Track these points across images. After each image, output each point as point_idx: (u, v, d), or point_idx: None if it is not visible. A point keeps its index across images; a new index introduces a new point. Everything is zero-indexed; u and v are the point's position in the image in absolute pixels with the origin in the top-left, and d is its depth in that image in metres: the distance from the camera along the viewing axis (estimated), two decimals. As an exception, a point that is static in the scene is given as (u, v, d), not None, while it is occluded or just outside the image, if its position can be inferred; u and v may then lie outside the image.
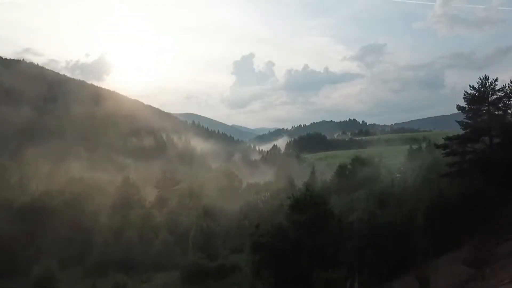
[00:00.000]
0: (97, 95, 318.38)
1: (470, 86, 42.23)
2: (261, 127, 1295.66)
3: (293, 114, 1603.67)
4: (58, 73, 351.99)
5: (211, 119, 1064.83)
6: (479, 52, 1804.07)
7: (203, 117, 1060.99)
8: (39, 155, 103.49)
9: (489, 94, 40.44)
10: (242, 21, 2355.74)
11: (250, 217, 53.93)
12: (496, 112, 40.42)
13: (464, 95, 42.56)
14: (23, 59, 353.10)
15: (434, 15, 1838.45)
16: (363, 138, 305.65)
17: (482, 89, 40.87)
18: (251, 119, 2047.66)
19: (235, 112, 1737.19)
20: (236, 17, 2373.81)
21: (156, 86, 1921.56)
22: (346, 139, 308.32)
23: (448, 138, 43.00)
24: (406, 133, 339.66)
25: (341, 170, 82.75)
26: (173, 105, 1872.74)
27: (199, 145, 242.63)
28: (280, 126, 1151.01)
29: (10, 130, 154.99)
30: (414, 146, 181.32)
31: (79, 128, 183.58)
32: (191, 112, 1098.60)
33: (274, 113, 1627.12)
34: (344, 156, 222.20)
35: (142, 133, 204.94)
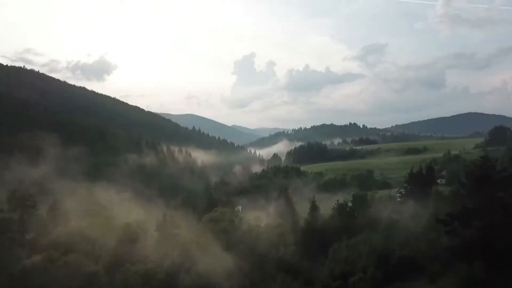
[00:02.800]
0: (97, 104, 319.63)
1: (471, 163, 42.20)
2: (261, 127, 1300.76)
3: (294, 114, 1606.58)
4: (58, 80, 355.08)
5: (212, 120, 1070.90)
6: (481, 52, 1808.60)
7: (204, 118, 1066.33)
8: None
9: (491, 173, 40.39)
10: (243, 21, 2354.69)
11: (250, 275, 54.06)
12: (498, 193, 40.29)
13: (466, 173, 42.53)
14: (24, 66, 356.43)
15: (436, 15, 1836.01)
16: (364, 147, 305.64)
17: (484, 168, 40.83)
18: (252, 119, 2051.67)
19: (235, 112, 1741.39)
20: (237, 17, 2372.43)
21: (156, 86, 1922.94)
22: (347, 148, 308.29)
23: (449, 215, 42.76)
24: (407, 142, 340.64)
25: (342, 208, 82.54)
26: (174, 105, 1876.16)
27: (200, 156, 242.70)
28: (281, 126, 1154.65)
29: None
30: (415, 165, 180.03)
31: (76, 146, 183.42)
32: (192, 113, 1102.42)
33: (274, 112, 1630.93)
34: (345, 168, 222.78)
35: (142, 147, 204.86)
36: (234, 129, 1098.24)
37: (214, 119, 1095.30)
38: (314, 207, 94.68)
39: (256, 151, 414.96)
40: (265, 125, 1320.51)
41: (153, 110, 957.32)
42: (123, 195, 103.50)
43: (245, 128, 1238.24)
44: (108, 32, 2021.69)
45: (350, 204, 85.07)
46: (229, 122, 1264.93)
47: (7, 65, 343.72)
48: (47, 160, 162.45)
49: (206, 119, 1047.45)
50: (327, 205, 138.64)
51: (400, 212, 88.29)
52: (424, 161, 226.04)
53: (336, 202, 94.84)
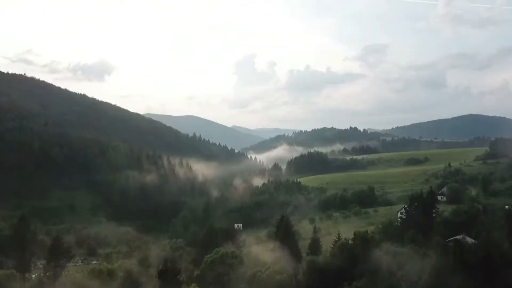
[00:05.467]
0: (98, 112, 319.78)
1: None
2: (261, 127, 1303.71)
3: (295, 114, 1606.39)
4: (59, 88, 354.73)
5: (212, 122, 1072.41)
6: (482, 52, 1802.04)
7: (204, 119, 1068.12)
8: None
9: (493, 255, 40.43)
10: (244, 21, 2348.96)
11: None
12: (500, 275, 40.35)
13: (473, 252, 42.58)
14: (24, 74, 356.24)
15: (437, 15, 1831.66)
16: (364, 157, 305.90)
17: (487, 249, 40.86)
18: (252, 119, 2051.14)
19: (236, 112, 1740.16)
20: (238, 17, 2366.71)
21: (157, 86, 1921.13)
22: (348, 158, 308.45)
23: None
24: (407, 151, 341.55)
25: (343, 247, 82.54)
26: (175, 105, 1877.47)
27: (200, 167, 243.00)
28: (281, 126, 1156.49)
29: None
30: (416, 178, 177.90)
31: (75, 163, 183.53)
32: (192, 114, 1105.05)
33: (275, 113, 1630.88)
34: (345, 181, 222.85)
35: (143, 161, 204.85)
36: (234, 131, 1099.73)
37: (215, 121, 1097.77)
38: (315, 242, 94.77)
39: (257, 156, 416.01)
40: (266, 125, 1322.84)
41: (153, 112, 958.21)
42: (125, 229, 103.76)
43: (245, 129, 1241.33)
44: (109, 33, 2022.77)
45: (350, 242, 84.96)
46: (229, 123, 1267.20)
47: (7, 72, 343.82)
48: (48, 181, 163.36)
49: (207, 120, 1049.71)
50: (329, 226, 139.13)
51: (402, 248, 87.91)
52: (425, 173, 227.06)
53: (337, 236, 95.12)
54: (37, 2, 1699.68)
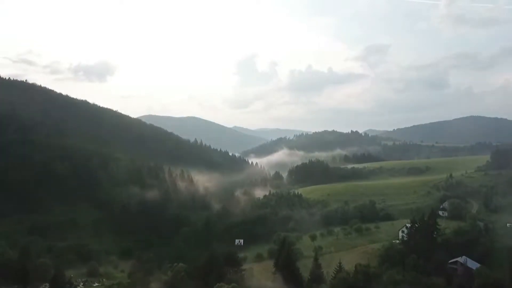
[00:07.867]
0: (99, 119, 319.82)
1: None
2: (262, 127, 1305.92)
3: (296, 114, 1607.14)
4: (61, 94, 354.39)
5: (213, 122, 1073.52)
6: (484, 52, 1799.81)
7: (205, 120, 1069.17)
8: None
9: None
10: (245, 21, 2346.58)
11: None
12: None
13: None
14: (26, 80, 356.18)
15: (439, 15, 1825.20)
16: (365, 166, 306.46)
17: None
18: (253, 119, 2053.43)
19: (237, 112, 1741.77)
20: (239, 17, 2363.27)
21: (158, 86, 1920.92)
22: (349, 167, 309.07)
23: None
24: (409, 160, 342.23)
25: (344, 280, 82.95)
26: (176, 105, 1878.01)
27: (201, 178, 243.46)
28: (282, 126, 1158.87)
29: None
30: (417, 190, 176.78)
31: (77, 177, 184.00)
32: (193, 115, 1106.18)
33: (276, 112, 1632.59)
34: (347, 193, 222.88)
35: (144, 175, 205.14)
36: (235, 131, 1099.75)
37: (215, 121, 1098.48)
38: (315, 273, 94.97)
39: (258, 161, 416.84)
40: (267, 126, 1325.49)
41: (154, 113, 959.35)
42: (127, 245, 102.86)
43: (246, 129, 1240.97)
44: (110, 33, 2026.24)
45: (351, 275, 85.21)
46: (230, 123, 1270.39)
47: (9, 78, 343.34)
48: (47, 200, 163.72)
49: (208, 121, 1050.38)
50: (330, 244, 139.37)
51: (404, 276, 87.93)
52: (426, 184, 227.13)
53: (338, 264, 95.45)
54: (38, 3, 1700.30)
